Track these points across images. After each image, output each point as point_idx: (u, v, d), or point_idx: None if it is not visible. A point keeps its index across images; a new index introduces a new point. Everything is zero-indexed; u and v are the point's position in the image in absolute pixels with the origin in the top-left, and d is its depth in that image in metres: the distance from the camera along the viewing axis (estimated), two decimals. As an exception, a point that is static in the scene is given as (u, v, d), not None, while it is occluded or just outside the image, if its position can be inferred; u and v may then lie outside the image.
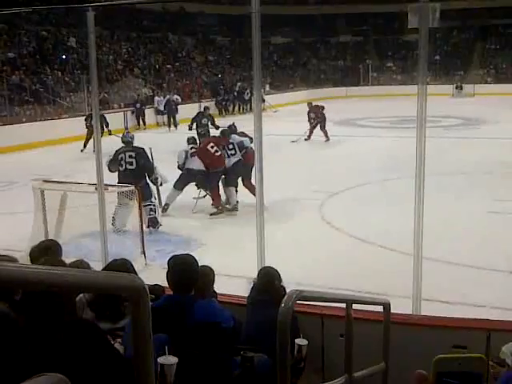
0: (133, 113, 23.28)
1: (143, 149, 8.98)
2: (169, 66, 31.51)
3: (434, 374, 0.93)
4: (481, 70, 39.25)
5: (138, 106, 23.44)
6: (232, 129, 10.64)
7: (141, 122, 23.26)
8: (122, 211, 7.93)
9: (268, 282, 4.15)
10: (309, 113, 18.55)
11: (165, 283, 3.33)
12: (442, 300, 5.79)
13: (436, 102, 22.49)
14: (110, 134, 19.52)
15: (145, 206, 8.30)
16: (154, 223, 8.71)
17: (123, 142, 9.04)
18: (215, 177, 9.75)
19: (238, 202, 9.83)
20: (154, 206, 8.79)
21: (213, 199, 9.76)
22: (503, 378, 0.70)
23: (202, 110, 13.42)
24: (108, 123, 21.05)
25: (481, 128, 20.02)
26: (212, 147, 9.81)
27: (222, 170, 9.82)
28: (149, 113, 24.16)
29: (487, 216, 9.04)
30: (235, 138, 10.18)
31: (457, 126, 20.99)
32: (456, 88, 36.06)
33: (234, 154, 9.99)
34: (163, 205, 9.78)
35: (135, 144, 9.10)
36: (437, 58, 37.79)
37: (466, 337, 3.93)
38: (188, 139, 10.30)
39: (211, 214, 9.60)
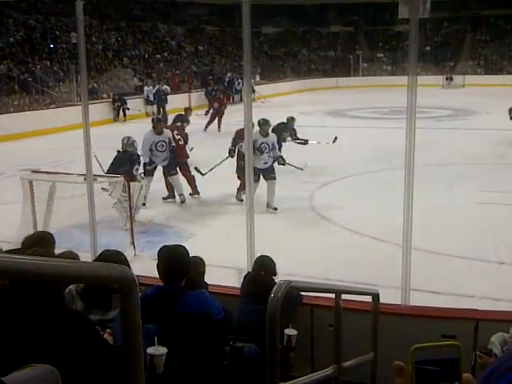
0: (113, 103, 22.60)
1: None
2: (158, 56, 31.35)
3: (412, 362, 0.94)
4: (471, 61, 39.35)
5: (116, 97, 22.91)
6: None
7: (121, 114, 22.55)
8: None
9: (263, 271, 4.18)
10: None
11: (154, 274, 3.33)
12: (431, 290, 5.83)
13: (426, 92, 22.56)
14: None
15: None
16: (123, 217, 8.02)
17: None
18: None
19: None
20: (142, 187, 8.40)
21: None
22: (487, 371, 0.70)
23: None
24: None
25: (471, 119, 20.09)
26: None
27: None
28: (132, 103, 23.71)
29: (476, 207, 9.09)
30: None
31: (447, 117, 21.05)
32: (446, 79, 36.13)
33: None
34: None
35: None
36: (427, 49, 37.83)
37: (455, 327, 3.97)
38: None
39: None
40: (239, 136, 9.37)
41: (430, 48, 38.79)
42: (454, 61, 39.11)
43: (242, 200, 9.39)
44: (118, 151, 8.80)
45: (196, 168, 10.29)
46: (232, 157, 9.85)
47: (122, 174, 7.77)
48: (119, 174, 7.79)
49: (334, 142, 12.30)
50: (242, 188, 9.37)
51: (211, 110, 19.60)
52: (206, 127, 18.43)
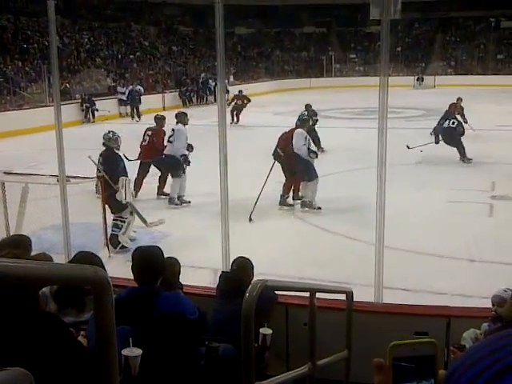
0: (81, 104, 22.28)
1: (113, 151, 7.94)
2: (131, 56, 31.14)
3: (390, 359, 0.96)
4: (441, 61, 39.84)
5: (86, 98, 22.59)
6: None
7: (89, 115, 22.14)
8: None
9: (240, 271, 4.18)
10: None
11: (128, 275, 3.31)
12: (404, 288, 5.89)
13: (398, 93, 22.76)
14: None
15: (115, 218, 7.61)
16: (112, 241, 7.48)
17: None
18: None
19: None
20: (121, 222, 7.59)
21: None
22: (451, 368, 0.71)
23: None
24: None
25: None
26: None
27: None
28: (105, 103, 23.45)
29: (447, 205, 9.21)
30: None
31: (418, 117, 21.27)
32: (417, 80, 36.53)
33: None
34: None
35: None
36: (398, 50, 38.22)
37: (427, 323, 4.02)
38: None
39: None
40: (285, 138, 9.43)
41: (401, 49, 39.19)
42: (424, 61, 39.56)
43: (292, 205, 9.44)
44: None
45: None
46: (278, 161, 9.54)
47: (117, 172, 7.59)
48: (116, 172, 7.58)
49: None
50: (296, 190, 9.50)
51: (231, 107, 20.40)
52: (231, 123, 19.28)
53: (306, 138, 9.28)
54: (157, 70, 30.80)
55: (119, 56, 30.34)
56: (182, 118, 10.15)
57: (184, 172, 9.75)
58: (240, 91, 21.86)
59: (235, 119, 20.32)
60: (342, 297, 3.63)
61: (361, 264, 5.80)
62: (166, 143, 9.97)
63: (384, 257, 4.35)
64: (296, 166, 9.23)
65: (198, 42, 37.08)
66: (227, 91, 22.34)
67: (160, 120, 10.41)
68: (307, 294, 2.90)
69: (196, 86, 28.94)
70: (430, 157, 12.83)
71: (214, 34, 4.55)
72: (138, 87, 24.57)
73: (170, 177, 10.00)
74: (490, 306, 3.57)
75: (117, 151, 7.94)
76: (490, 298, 3.58)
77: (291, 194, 9.61)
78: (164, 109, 25.76)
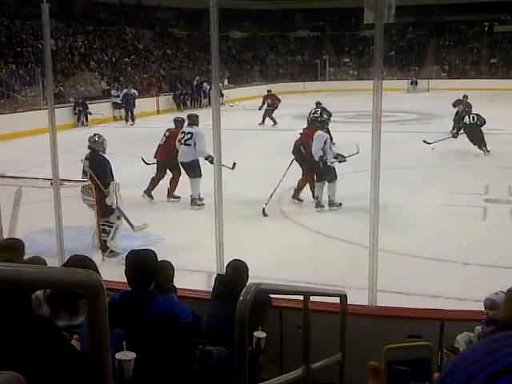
0: (74, 108, 22.14)
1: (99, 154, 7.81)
2: (126, 60, 31.12)
3: (385, 363, 0.96)
4: (435, 65, 39.98)
5: (80, 101, 22.50)
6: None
7: (82, 119, 22.04)
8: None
9: (236, 274, 4.17)
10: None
11: (122, 279, 3.30)
12: (397, 291, 5.90)
13: (391, 96, 22.82)
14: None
15: (102, 223, 7.46)
16: (101, 248, 7.42)
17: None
18: None
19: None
20: (109, 227, 7.52)
21: None
22: (444, 371, 0.71)
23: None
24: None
25: (435, 122, 20.38)
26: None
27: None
28: (100, 107, 23.38)
29: (441, 208, 9.23)
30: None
31: (412, 121, 21.33)
32: (411, 83, 36.62)
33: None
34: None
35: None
36: (392, 54, 38.34)
37: (421, 326, 4.02)
38: None
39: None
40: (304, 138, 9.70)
41: (394, 53, 39.33)
42: (418, 65, 39.69)
43: (301, 200, 9.80)
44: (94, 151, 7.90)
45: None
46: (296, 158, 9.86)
47: (106, 176, 7.55)
48: (106, 176, 7.54)
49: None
50: (312, 188, 9.72)
51: (264, 106, 21.03)
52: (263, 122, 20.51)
53: (325, 141, 9.33)
54: (151, 73, 30.79)
55: (113, 59, 30.31)
56: (195, 120, 10.16)
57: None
58: (269, 91, 21.94)
59: (272, 121, 20.66)
60: (336, 300, 3.63)
61: (355, 267, 5.81)
62: (178, 145, 9.97)
63: (378, 260, 4.36)
64: (314, 166, 9.34)
65: (193, 46, 37.10)
66: (222, 95, 22.43)
67: (180, 122, 10.49)
68: (301, 298, 2.90)
69: (190, 89, 28.94)
70: (424, 160, 12.86)
71: (209, 37, 4.56)
72: (133, 90, 24.52)
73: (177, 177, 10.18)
74: (483, 308, 3.58)
75: (103, 154, 7.83)
76: (483, 301, 3.59)
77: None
78: (158, 112, 25.77)
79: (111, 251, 7.41)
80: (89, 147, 7.82)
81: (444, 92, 31.79)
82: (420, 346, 1.05)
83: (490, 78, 36.18)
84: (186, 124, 10.23)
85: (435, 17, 41.51)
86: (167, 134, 10.43)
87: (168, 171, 10.28)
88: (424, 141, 13.36)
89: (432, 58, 40.57)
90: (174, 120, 10.68)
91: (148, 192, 10.07)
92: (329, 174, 9.28)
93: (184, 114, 11.42)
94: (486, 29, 40.18)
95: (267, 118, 20.74)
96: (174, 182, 10.19)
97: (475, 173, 11.83)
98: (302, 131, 10.14)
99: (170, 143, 10.11)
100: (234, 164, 9.60)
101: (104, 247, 7.43)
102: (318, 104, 15.48)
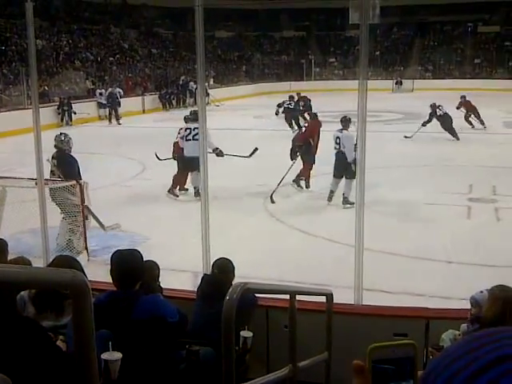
0: (59, 108, 21.88)
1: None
2: (111, 59, 30.96)
3: (369, 361, 0.96)
4: (419, 65, 40.20)
5: (65, 101, 22.29)
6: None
7: (67, 118, 21.77)
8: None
9: (222, 273, 4.16)
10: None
11: (108, 279, 3.29)
12: (383, 290, 5.93)
13: (376, 96, 22.89)
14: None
15: (69, 223, 7.34)
16: (69, 247, 7.25)
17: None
18: None
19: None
20: (77, 226, 7.39)
21: None
22: (426, 370, 0.71)
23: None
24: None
25: (420, 122, 20.48)
26: None
27: None
28: (84, 106, 23.22)
29: (425, 207, 9.28)
30: None
31: (397, 121, 21.43)
32: (396, 83, 36.77)
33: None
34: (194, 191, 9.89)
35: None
36: (377, 54, 38.50)
37: (406, 325, 4.04)
38: None
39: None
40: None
41: (379, 53, 39.48)
42: (403, 65, 39.88)
43: (301, 188, 10.52)
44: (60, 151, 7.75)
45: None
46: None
47: (75, 175, 7.48)
48: (74, 175, 7.47)
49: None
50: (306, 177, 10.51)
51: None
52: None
53: (355, 143, 9.27)
54: (136, 72, 30.65)
55: (98, 58, 30.14)
56: (197, 116, 10.09)
57: None
58: (298, 94, 21.26)
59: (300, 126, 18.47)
60: (322, 299, 3.64)
61: (342, 266, 5.83)
62: (181, 142, 10.18)
63: (364, 259, 4.38)
64: (343, 164, 9.49)
65: (178, 45, 36.98)
66: (207, 94, 22.38)
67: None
68: (287, 297, 2.90)
69: (176, 88, 28.86)
70: (408, 160, 12.94)
71: (194, 37, 4.55)
72: (118, 90, 24.38)
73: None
74: (468, 307, 3.60)
75: (70, 153, 7.73)
76: (468, 299, 3.62)
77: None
78: (144, 112, 25.69)
79: (77, 252, 7.31)
80: (55, 146, 7.70)
81: (428, 92, 32.04)
82: (404, 345, 1.05)
83: (474, 78, 36.44)
84: (187, 121, 10.42)
85: (419, 17, 41.75)
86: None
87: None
88: (405, 136, 13.73)
89: (416, 58, 40.80)
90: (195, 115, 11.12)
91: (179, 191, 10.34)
92: (350, 172, 9.08)
93: (170, 114, 11.55)
94: (470, 29, 40.48)
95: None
96: (182, 176, 10.34)
97: (459, 172, 11.91)
98: (306, 125, 11.36)
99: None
100: (255, 149, 10.92)
101: (72, 247, 7.31)
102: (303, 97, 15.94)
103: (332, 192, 9.66)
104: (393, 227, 8.20)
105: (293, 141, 10.86)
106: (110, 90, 24.26)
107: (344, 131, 9.66)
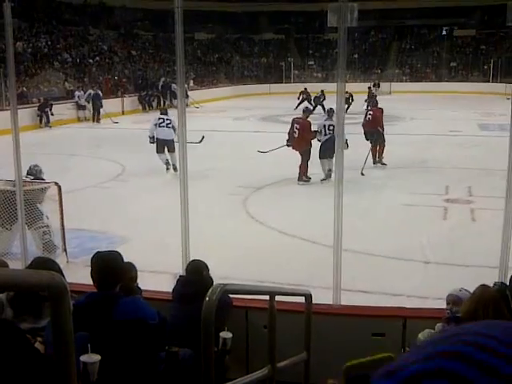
0: (38, 109, 21.53)
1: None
2: (90, 60, 30.73)
3: (344, 381, 0.96)
4: (397, 68, 40.53)
5: (43, 102, 21.96)
6: None
7: (44, 120, 21.38)
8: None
9: (196, 275, 4.15)
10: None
11: (87, 281, 3.27)
12: (361, 290, 5.96)
13: (355, 99, 23.01)
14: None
15: (36, 228, 7.17)
16: (50, 248, 7.23)
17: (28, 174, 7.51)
18: None
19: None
20: (47, 227, 7.33)
21: None
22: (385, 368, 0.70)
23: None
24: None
25: (397, 124, 20.67)
26: None
27: None
28: (63, 108, 22.97)
29: (402, 208, 9.36)
30: None
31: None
32: (373, 86, 36.99)
33: None
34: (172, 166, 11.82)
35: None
36: (355, 57, 38.72)
37: (384, 324, 4.07)
38: None
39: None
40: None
41: (357, 56, 39.72)
42: (380, 68, 40.17)
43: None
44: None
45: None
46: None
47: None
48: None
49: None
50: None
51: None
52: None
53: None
54: (116, 74, 30.46)
55: (77, 60, 29.89)
56: (167, 111, 13.04)
57: None
58: (322, 91, 22.01)
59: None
60: (301, 299, 3.65)
61: (320, 267, 5.85)
62: (154, 128, 12.28)
63: (341, 259, 4.40)
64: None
65: (158, 47, 36.83)
66: (187, 96, 22.35)
67: (308, 112, 12.42)
68: (267, 297, 2.91)
69: (156, 90, 28.73)
70: (386, 161, 13.03)
71: (174, 38, 4.53)
72: (97, 91, 24.19)
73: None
74: (444, 306, 3.64)
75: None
76: (445, 298, 3.65)
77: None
78: (123, 113, 25.53)
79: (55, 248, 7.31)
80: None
81: (405, 94, 32.34)
82: (381, 360, 1.04)
83: (450, 80, 36.87)
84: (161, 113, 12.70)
85: (397, 21, 42.11)
86: (297, 126, 11.56)
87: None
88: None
89: (394, 61, 41.13)
90: (303, 110, 12.60)
91: (302, 178, 11.44)
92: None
93: (149, 115, 11.89)
94: (446, 33, 40.93)
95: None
96: (303, 167, 11.41)
97: (435, 174, 12.03)
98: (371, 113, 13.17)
99: (303, 134, 11.42)
100: (203, 137, 12.71)
101: (52, 247, 7.24)
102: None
103: (330, 170, 10.82)
104: (370, 228, 8.25)
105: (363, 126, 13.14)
106: (90, 91, 24.08)
107: (333, 119, 11.23)
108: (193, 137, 10.84)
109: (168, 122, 12.18)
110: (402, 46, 42.57)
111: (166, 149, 12.11)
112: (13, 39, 5.09)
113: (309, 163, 11.40)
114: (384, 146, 12.95)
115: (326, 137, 11.28)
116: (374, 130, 12.75)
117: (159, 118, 12.37)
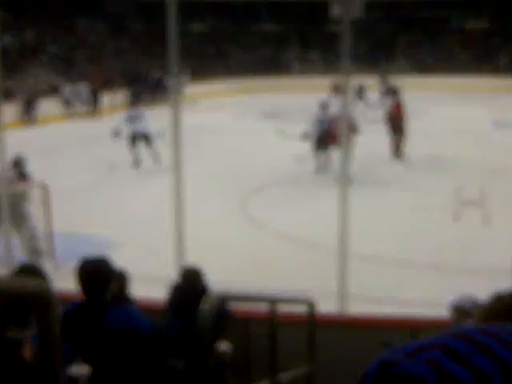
0: (25, 105, 21.73)
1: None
2: (79, 54, 30.72)
3: None
4: (404, 61, 40.52)
5: (30, 97, 21.99)
6: None
7: (31, 115, 21.68)
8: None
9: (191, 282, 4.13)
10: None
11: (77, 288, 3.25)
12: (369, 297, 5.94)
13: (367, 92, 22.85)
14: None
15: (23, 231, 7.30)
16: (36, 253, 7.40)
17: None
18: None
19: None
20: (34, 230, 7.49)
21: None
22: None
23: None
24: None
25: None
26: None
27: None
28: (46, 103, 22.97)
29: (410, 212, 9.32)
30: None
31: (382, 120, 21.52)
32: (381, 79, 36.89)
33: None
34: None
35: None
36: (359, 50, 38.72)
37: (392, 335, 4.06)
38: None
39: None
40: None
41: (363, 49, 39.72)
42: (386, 61, 40.17)
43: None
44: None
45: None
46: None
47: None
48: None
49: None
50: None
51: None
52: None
53: None
54: (106, 68, 30.44)
55: (65, 53, 29.88)
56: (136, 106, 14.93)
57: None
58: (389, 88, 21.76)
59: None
60: (304, 308, 3.64)
61: (324, 273, 5.84)
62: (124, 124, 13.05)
63: (348, 266, 4.39)
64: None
65: (150, 40, 36.80)
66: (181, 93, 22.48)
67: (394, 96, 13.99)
68: (267, 307, 2.90)
69: (148, 85, 28.73)
70: (395, 163, 13.03)
71: (167, 31, 4.53)
72: (86, 87, 24.20)
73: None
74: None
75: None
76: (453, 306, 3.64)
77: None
78: (114, 109, 25.53)
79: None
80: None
81: (413, 89, 32.29)
82: None
83: (461, 75, 36.86)
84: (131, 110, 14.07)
85: (405, 13, 42.13)
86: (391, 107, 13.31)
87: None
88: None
89: (402, 55, 41.14)
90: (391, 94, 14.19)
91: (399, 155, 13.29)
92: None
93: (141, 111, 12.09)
94: (457, 25, 40.93)
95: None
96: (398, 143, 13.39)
97: (447, 173, 12.02)
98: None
99: (395, 113, 13.41)
100: (161, 131, 13.86)
101: (40, 251, 7.36)
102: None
103: (325, 163, 11.96)
104: (378, 231, 8.24)
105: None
106: (78, 86, 24.11)
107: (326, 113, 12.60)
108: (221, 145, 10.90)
109: (139, 113, 13.46)
110: (409, 38, 42.57)
111: (137, 142, 12.99)
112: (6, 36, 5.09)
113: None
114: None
115: (320, 130, 12.27)
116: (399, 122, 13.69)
117: (130, 114, 13.49)
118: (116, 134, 13.00)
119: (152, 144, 12.78)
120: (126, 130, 13.02)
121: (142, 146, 12.98)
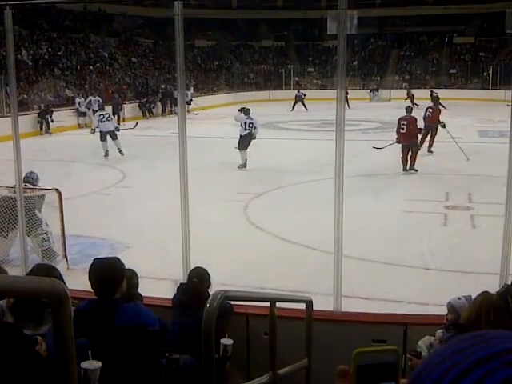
0: (39, 116, 21.63)
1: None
2: (91, 67, 30.79)
3: (354, 366, 0.97)
4: (396, 75, 40.62)
5: (44, 108, 21.96)
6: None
7: (44, 126, 21.54)
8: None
9: (197, 282, 4.14)
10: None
11: (88, 287, 3.26)
12: (362, 296, 5.95)
13: (354, 105, 23.02)
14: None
15: (35, 235, 7.12)
16: (49, 255, 7.25)
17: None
18: None
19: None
20: (46, 234, 7.30)
21: None
22: (414, 373, 0.72)
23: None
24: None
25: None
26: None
27: None
28: (63, 114, 23.02)
29: (403, 215, 9.34)
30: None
31: (374, 129, 21.58)
32: (371, 91, 36.90)
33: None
34: None
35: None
36: (355, 64, 38.81)
37: (385, 331, 4.06)
38: None
39: None
40: None
41: (357, 63, 39.80)
42: (380, 75, 40.24)
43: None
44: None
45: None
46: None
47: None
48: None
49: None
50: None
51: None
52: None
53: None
54: (116, 81, 30.51)
55: (78, 67, 29.96)
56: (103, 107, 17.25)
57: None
58: (436, 93, 21.66)
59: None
60: (302, 306, 3.64)
61: (321, 273, 5.84)
62: (96, 121, 15.61)
63: (342, 266, 4.39)
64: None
65: (158, 54, 36.91)
66: (190, 102, 22.83)
67: (409, 109, 13.47)
68: (267, 304, 2.90)
69: (156, 97, 28.80)
70: (386, 169, 13.03)
71: (174, 45, 4.55)
72: (97, 98, 24.21)
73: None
74: (444, 313, 3.63)
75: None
76: (445, 305, 3.64)
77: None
78: (124, 120, 25.56)
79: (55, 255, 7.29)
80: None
81: (405, 101, 32.30)
82: (388, 351, 1.07)
83: (449, 88, 36.90)
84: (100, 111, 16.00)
85: (396, 28, 42.23)
86: (405, 122, 12.83)
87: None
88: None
89: (393, 68, 41.21)
90: (406, 108, 13.59)
91: (411, 167, 12.81)
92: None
93: (150, 122, 11.99)
94: (446, 40, 41.02)
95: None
96: (413, 158, 12.77)
97: (435, 180, 12.03)
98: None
99: (410, 128, 12.77)
100: (136, 123, 17.88)
101: (52, 254, 7.23)
102: None
103: (246, 160, 13.22)
104: (370, 235, 8.23)
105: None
106: (89, 98, 24.14)
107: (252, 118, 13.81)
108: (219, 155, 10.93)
109: (107, 116, 15.69)
110: (401, 53, 42.66)
111: (108, 138, 15.12)
112: (15, 46, 5.11)
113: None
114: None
115: (246, 132, 13.39)
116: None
117: (100, 115, 15.62)
118: (92, 130, 16.06)
119: (116, 138, 15.23)
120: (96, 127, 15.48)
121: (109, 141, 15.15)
